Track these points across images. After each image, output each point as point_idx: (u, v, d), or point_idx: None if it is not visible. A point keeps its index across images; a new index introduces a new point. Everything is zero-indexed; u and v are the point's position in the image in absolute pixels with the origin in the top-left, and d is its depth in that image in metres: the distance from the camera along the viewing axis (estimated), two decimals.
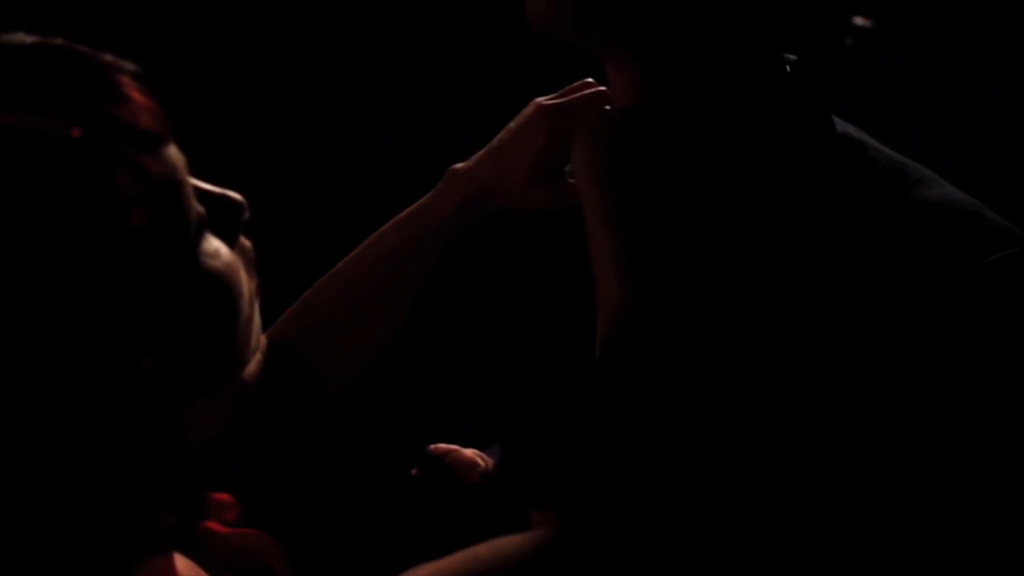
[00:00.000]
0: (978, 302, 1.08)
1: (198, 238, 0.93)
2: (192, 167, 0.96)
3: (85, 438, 0.87)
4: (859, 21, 1.10)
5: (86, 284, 0.85)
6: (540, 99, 1.27)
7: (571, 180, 1.25)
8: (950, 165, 2.80)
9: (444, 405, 1.42)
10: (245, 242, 0.99)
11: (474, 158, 1.32)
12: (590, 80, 1.26)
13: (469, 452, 1.36)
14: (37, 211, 0.84)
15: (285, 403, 1.29)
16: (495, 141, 1.30)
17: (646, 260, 1.10)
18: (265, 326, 1.03)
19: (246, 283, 0.97)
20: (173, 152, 0.92)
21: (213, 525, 1.06)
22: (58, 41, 0.91)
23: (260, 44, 2.91)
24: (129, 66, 0.92)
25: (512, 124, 1.29)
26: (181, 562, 0.95)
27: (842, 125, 1.19)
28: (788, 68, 1.19)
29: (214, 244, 0.95)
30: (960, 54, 2.71)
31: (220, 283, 0.94)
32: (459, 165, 1.32)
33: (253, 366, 1.22)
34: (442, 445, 1.33)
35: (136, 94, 0.90)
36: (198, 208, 0.93)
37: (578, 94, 1.25)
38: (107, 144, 0.86)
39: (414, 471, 1.36)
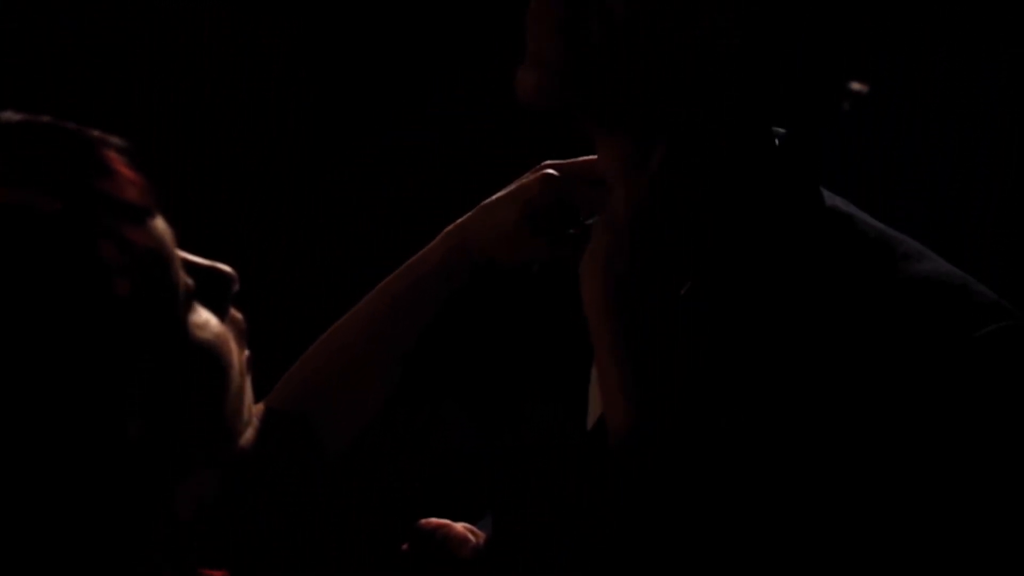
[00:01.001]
0: (967, 376, 1.08)
1: (186, 309, 0.93)
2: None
3: (73, 510, 0.88)
4: (856, 86, 1.10)
5: (72, 353, 0.86)
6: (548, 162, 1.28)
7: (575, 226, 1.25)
8: (950, 165, 2.81)
9: (442, 449, 1.42)
10: (236, 314, 0.99)
11: (468, 214, 1.33)
12: None
13: (460, 527, 1.36)
14: (20, 283, 0.85)
15: (285, 470, 1.30)
16: (491, 197, 1.31)
17: (648, 266, 1.10)
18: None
19: (236, 355, 0.98)
20: (160, 225, 0.93)
21: None
22: (45, 119, 0.92)
23: (260, 44, 2.92)
24: (115, 140, 0.93)
25: (512, 183, 1.30)
26: None
27: (831, 198, 1.19)
28: (777, 141, 1.19)
29: (203, 315, 0.95)
30: (960, 54, 2.72)
31: (209, 354, 0.94)
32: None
33: (250, 434, 1.23)
34: (433, 519, 1.33)
35: (122, 168, 0.91)
36: (186, 280, 0.94)
37: (582, 159, 1.26)
38: (91, 216, 0.87)
39: (405, 546, 1.36)
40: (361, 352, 1.34)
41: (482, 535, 1.36)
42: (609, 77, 1.13)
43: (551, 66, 1.14)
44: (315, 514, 1.33)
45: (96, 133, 0.93)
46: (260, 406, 1.30)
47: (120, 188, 0.90)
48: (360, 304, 1.36)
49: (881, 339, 1.09)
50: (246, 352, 0.99)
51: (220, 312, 0.97)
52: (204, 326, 0.95)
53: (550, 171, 1.27)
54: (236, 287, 0.99)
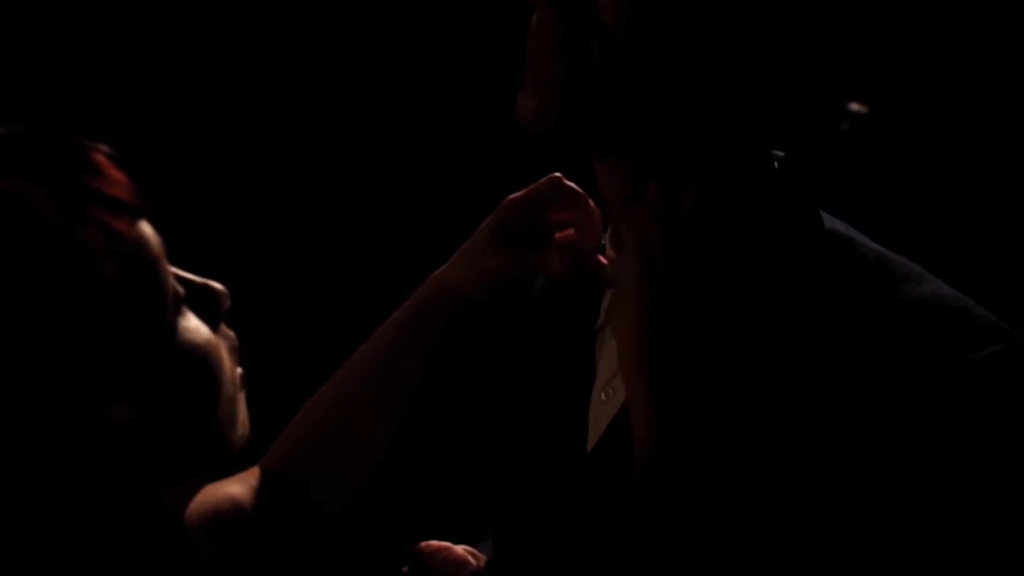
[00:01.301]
0: (966, 398, 1.08)
1: (176, 311, 0.96)
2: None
3: (55, 493, 0.89)
4: (855, 107, 1.11)
5: (56, 334, 0.88)
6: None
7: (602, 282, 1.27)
8: (950, 165, 2.81)
9: (442, 471, 1.42)
10: (228, 331, 1.02)
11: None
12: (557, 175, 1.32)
13: (460, 549, 1.36)
14: (3, 265, 0.88)
15: (283, 532, 1.31)
16: None
17: (671, 286, 1.11)
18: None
19: (228, 364, 1.00)
20: (149, 230, 0.95)
21: None
22: (36, 128, 0.96)
23: (260, 44, 2.92)
24: (104, 147, 0.96)
25: None
26: None
27: (830, 221, 1.20)
28: (776, 164, 1.20)
29: (194, 322, 0.98)
30: (960, 54, 2.72)
31: (198, 356, 0.97)
32: None
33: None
34: (433, 542, 1.33)
35: (112, 170, 0.94)
36: (176, 286, 0.97)
37: (536, 184, 1.30)
38: (77, 205, 0.91)
39: (405, 569, 1.36)
40: (355, 405, 1.35)
41: (483, 558, 1.37)
42: (610, 98, 1.13)
43: (551, 89, 1.14)
44: (314, 540, 1.34)
45: (86, 140, 0.95)
46: (256, 469, 1.33)
47: (107, 185, 0.93)
48: (349, 360, 1.37)
49: (881, 361, 1.10)
50: (239, 369, 1.01)
51: (212, 325, 0.99)
52: (194, 330, 0.97)
53: (511, 196, 1.31)
54: (228, 303, 1.01)
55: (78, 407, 0.89)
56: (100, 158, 0.94)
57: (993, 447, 1.08)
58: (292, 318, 2.88)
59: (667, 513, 1.07)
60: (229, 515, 1.25)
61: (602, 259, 1.27)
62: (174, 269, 0.98)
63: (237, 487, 1.28)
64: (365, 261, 2.90)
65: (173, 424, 0.94)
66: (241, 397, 1.01)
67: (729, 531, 1.08)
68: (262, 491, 1.29)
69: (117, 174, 0.94)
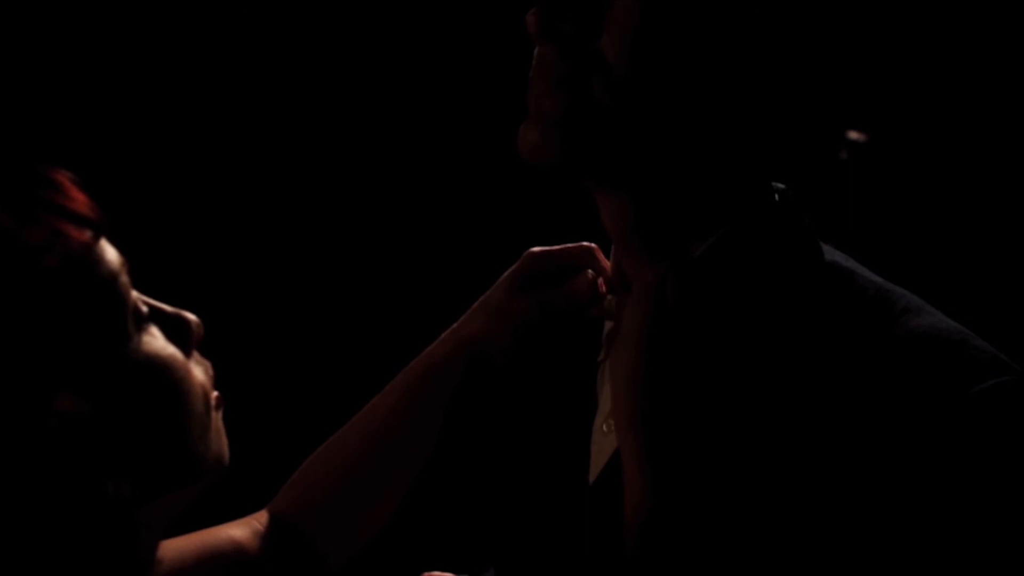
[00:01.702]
0: (965, 431, 1.08)
1: (139, 325, 0.98)
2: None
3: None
4: (853, 135, 1.11)
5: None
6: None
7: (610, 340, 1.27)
8: (949, 165, 2.80)
9: (444, 500, 1.42)
10: (203, 359, 1.03)
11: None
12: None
13: None
14: None
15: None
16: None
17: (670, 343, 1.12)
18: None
19: (198, 382, 1.01)
20: (109, 247, 0.98)
21: None
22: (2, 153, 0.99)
23: (260, 44, 2.92)
24: (68, 173, 0.99)
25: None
26: None
27: (831, 254, 1.20)
28: (777, 196, 1.20)
29: (160, 340, 1.00)
30: (960, 54, 2.72)
31: (159, 366, 0.99)
32: None
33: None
34: (436, 573, 1.34)
35: (72, 190, 0.97)
36: (140, 305, 0.99)
37: (567, 245, 1.31)
38: (29, 210, 0.94)
39: None
40: (367, 464, 1.36)
41: None
42: (612, 132, 1.13)
43: (553, 122, 1.15)
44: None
45: (50, 165, 0.98)
46: (263, 514, 1.33)
47: (65, 200, 0.95)
48: (361, 413, 1.37)
49: (880, 396, 1.10)
50: (215, 392, 1.02)
51: (185, 354, 1.01)
52: (158, 345, 0.99)
53: (534, 249, 1.32)
54: (200, 332, 1.03)
55: (20, 385, 0.91)
56: (62, 179, 0.97)
57: (992, 480, 1.08)
58: (291, 319, 2.88)
59: (668, 551, 1.08)
60: (231, 557, 1.26)
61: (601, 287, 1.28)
62: (149, 299, 1.00)
63: (240, 530, 1.29)
64: (365, 261, 2.90)
65: (132, 428, 0.96)
66: (216, 416, 1.03)
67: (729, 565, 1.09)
68: (267, 538, 1.30)
69: (77, 193, 0.97)
